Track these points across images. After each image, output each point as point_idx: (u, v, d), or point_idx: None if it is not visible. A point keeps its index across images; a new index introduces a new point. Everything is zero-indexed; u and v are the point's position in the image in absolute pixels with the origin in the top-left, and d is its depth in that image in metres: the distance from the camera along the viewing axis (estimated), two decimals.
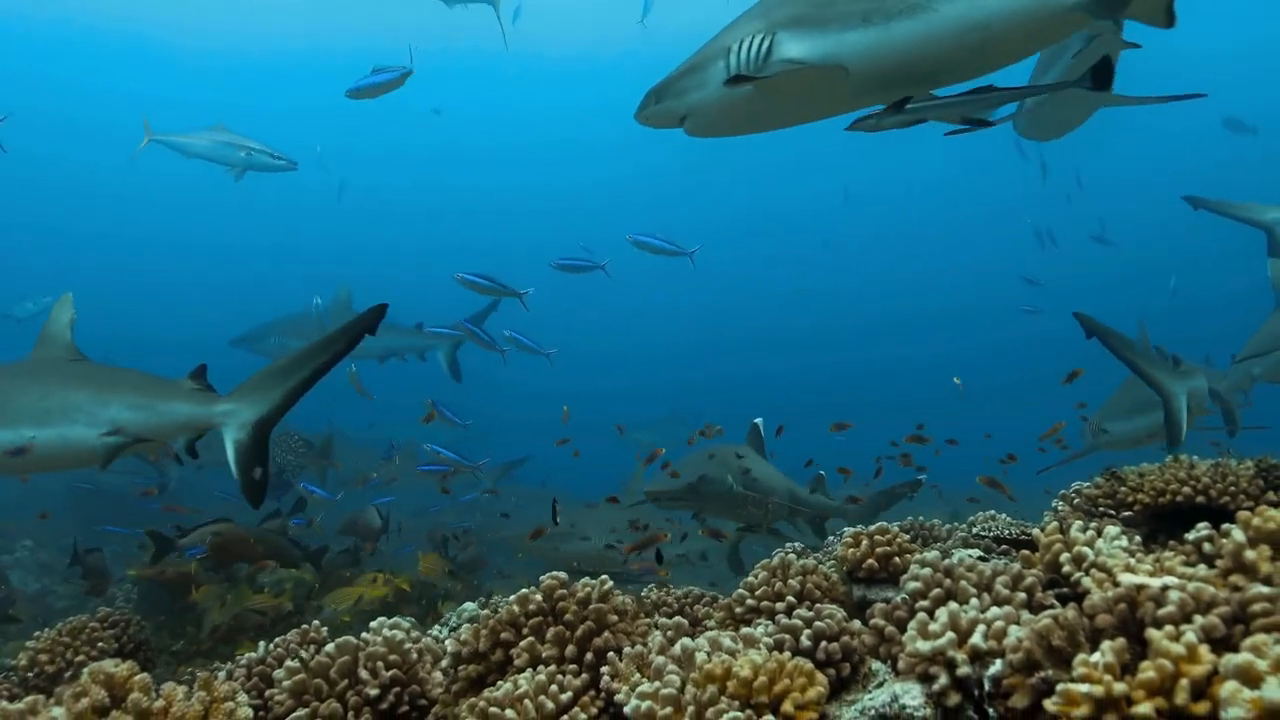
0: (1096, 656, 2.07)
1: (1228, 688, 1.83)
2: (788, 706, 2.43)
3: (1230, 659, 1.89)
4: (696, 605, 4.13)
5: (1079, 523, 2.88)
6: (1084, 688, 2.02)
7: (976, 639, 2.46)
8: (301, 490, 9.43)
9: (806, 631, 2.82)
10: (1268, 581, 2.22)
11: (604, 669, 2.95)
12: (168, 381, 5.06)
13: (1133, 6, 3.71)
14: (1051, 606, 2.63)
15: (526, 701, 2.81)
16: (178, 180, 31.63)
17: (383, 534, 8.15)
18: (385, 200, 46.43)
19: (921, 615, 2.65)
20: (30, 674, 4.46)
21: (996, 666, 2.40)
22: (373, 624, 3.44)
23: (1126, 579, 2.34)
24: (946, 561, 2.97)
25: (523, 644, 3.15)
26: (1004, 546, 4.12)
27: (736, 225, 48.10)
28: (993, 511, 4.92)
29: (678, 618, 3.37)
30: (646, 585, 4.71)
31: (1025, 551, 3.16)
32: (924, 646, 2.51)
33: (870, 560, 3.55)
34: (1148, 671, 1.97)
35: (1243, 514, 2.47)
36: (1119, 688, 1.98)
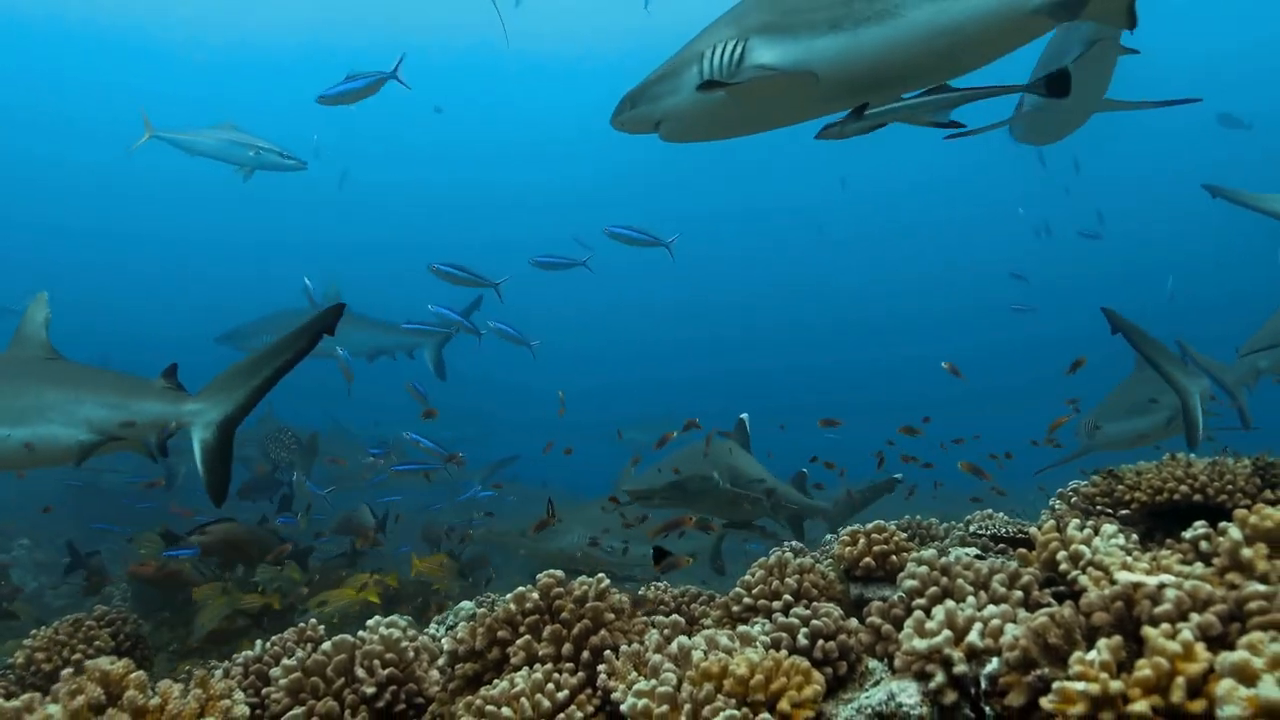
0: (1093, 654, 2.07)
1: (1224, 686, 1.83)
2: (784, 705, 2.43)
3: (1226, 657, 1.88)
4: (693, 604, 4.14)
5: (1076, 521, 2.88)
6: (1080, 685, 2.01)
7: (973, 637, 2.46)
8: (287, 490, 9.44)
9: (803, 630, 2.82)
10: (1264, 580, 2.22)
11: (600, 667, 2.95)
12: (140, 381, 5.15)
13: (1093, 7, 3.75)
14: (1048, 605, 2.63)
15: (523, 700, 2.81)
16: (176, 176, 31.64)
17: (379, 531, 8.14)
18: (382, 196, 46.37)
19: (918, 613, 2.65)
20: (28, 672, 4.48)
21: (993, 664, 2.40)
22: (369, 622, 3.44)
23: (1123, 577, 2.34)
24: (943, 560, 2.97)
25: (519, 642, 3.15)
26: (1001, 545, 4.12)
27: (736, 222, 48.11)
28: (990, 510, 4.93)
29: (674, 616, 3.38)
30: (643, 584, 4.72)
31: (1022, 550, 3.16)
32: (920, 644, 2.51)
33: (867, 559, 3.55)
34: (1144, 669, 1.97)
35: (1240, 512, 2.46)
36: (1115, 686, 1.98)
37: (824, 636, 2.80)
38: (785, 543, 5.61)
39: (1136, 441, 7.36)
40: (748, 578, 3.52)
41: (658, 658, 2.76)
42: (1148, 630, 2.07)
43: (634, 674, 2.82)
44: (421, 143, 46.35)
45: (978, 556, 3.52)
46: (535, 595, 3.28)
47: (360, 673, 3.18)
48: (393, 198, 47.78)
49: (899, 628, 2.74)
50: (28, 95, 41.62)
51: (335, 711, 3.08)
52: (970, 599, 2.72)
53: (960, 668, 2.42)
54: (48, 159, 44.15)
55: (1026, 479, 8.32)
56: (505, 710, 2.77)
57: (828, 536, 5.89)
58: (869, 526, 3.68)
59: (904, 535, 3.66)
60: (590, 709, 2.88)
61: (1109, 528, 2.79)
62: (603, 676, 2.90)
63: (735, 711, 2.39)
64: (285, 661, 3.26)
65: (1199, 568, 2.39)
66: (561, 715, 2.81)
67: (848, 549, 3.62)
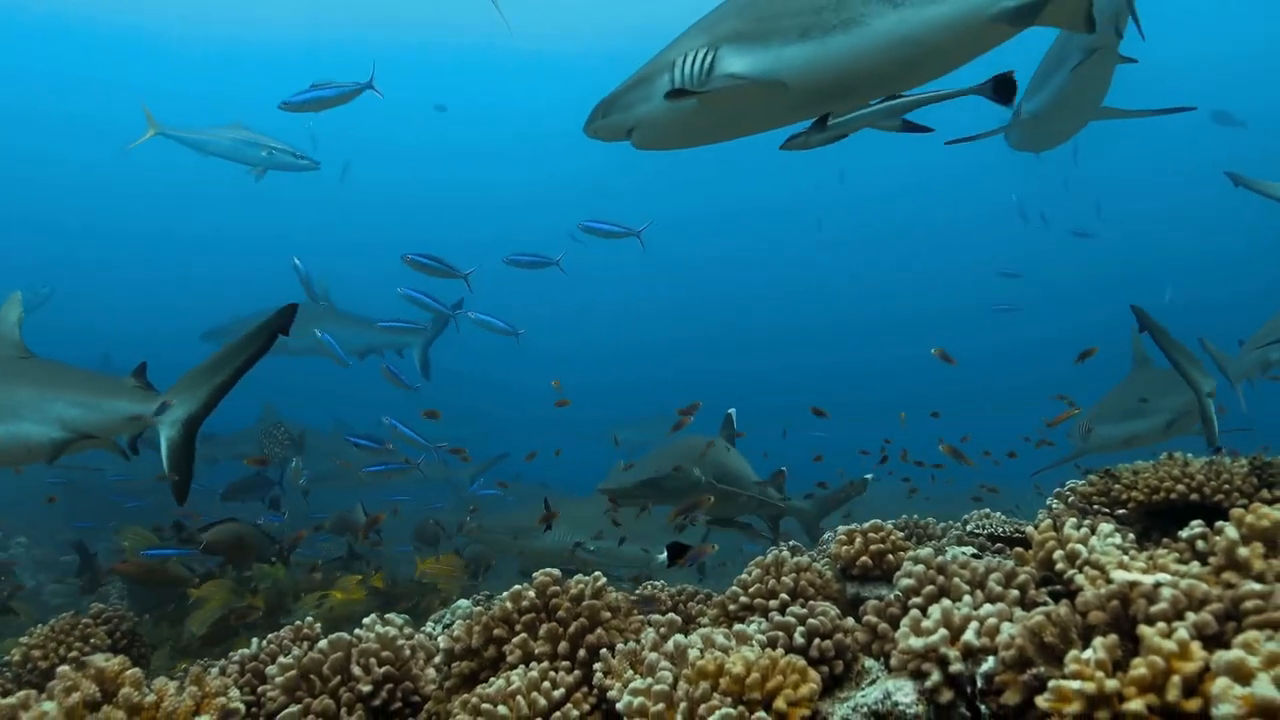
0: (1089, 653, 2.07)
1: (1219, 684, 1.83)
2: (780, 703, 2.42)
3: (1222, 656, 1.88)
4: (690, 603, 4.14)
5: (1073, 520, 2.88)
6: (1076, 684, 2.01)
7: (969, 636, 2.46)
8: (277, 491, 9.43)
9: (800, 629, 2.82)
10: (1260, 579, 2.22)
11: (597, 666, 2.95)
12: (112, 379, 5.19)
13: (1052, 13, 3.77)
14: (1045, 604, 2.63)
15: (519, 698, 2.80)
16: (176, 173, 31.60)
17: (372, 530, 8.12)
18: (380, 194, 46.30)
19: (914, 612, 2.64)
20: (24, 670, 4.48)
21: (989, 663, 2.40)
22: (366, 620, 3.44)
23: (1119, 576, 2.34)
24: (940, 559, 2.97)
25: (515, 640, 3.15)
26: (998, 544, 4.13)
27: (735, 222, 48.08)
28: (987, 510, 4.94)
29: (671, 614, 3.38)
30: (641, 584, 4.72)
31: (1019, 549, 3.16)
32: (917, 643, 2.51)
33: (864, 558, 3.55)
34: (1140, 668, 1.97)
35: (1236, 511, 2.47)
36: (1111, 684, 1.98)
37: (820, 635, 2.80)
38: (785, 543, 5.61)
39: (1129, 444, 7.38)
40: (744, 576, 3.52)
41: (654, 656, 2.76)
42: (1144, 629, 2.07)
43: (630, 672, 2.82)
44: (420, 141, 46.29)
45: (974, 555, 3.52)
46: (532, 593, 3.27)
47: (357, 671, 3.18)
48: (390, 195, 47.74)
49: (895, 626, 2.73)
50: (25, 92, 41.54)
51: (331, 709, 3.08)
52: (966, 598, 2.72)
53: (956, 666, 2.42)
54: (46, 156, 44.07)
55: (1023, 479, 8.32)
56: (501, 708, 2.76)
57: (826, 536, 5.90)
58: (866, 526, 3.68)
59: (901, 535, 3.66)
60: (586, 707, 2.88)
61: (1106, 527, 2.79)
62: (599, 675, 2.90)
63: (731, 710, 2.38)
64: (282, 659, 3.25)
65: (1195, 567, 2.39)
66: (557, 713, 2.81)
67: (844, 548, 3.62)
